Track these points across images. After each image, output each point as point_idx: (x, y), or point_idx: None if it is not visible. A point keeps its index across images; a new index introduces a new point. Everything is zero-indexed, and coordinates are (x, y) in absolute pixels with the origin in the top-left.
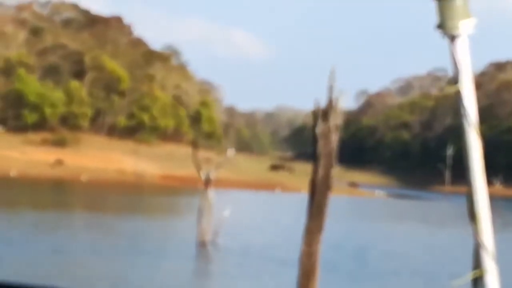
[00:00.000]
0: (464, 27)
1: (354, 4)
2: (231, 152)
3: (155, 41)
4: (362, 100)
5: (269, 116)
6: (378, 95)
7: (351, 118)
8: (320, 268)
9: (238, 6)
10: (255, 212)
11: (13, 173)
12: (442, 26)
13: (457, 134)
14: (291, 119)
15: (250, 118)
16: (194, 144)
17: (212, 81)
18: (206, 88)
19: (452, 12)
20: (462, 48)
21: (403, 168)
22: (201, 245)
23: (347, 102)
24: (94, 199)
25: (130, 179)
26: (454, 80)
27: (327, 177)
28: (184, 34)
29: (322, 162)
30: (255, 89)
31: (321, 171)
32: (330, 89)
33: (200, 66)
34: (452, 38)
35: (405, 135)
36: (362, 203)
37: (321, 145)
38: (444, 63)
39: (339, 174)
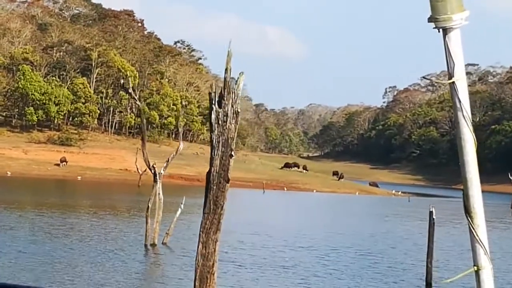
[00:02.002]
0: (457, 20)
1: (385, 1)
2: (182, 145)
3: (187, 38)
4: (390, 97)
5: (301, 115)
6: (407, 91)
7: (379, 116)
8: None
9: (272, 4)
10: (238, 213)
11: (10, 172)
12: (434, 19)
13: (485, 130)
14: (322, 118)
15: (281, 117)
16: (143, 140)
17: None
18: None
19: (445, 5)
20: (455, 40)
21: (431, 166)
22: (151, 246)
23: (375, 99)
24: (73, 199)
25: (134, 178)
26: (448, 73)
27: (224, 169)
28: (216, 32)
29: (218, 152)
30: (288, 87)
31: (217, 162)
32: (227, 71)
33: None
34: (445, 31)
35: (434, 132)
36: (362, 201)
37: (217, 133)
38: (474, 58)
39: (365, 173)
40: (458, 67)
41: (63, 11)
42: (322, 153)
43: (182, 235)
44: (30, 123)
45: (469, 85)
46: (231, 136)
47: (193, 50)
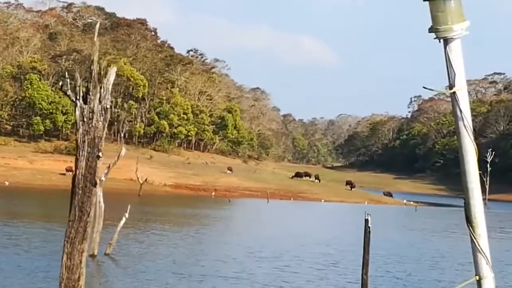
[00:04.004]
0: (458, 30)
1: (417, 11)
2: (124, 151)
3: (219, 49)
4: (416, 107)
5: (331, 125)
6: (431, 101)
7: (403, 125)
8: None
9: (306, 14)
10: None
11: (7, 182)
12: (435, 29)
13: (509, 139)
14: (352, 128)
15: (309, 127)
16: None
17: (263, 89)
18: (257, 96)
19: (445, 15)
20: (456, 51)
21: (455, 176)
22: (90, 257)
23: (400, 109)
24: (44, 208)
25: (138, 188)
26: (449, 83)
27: (91, 171)
28: (250, 42)
29: (84, 153)
30: (318, 97)
31: (83, 164)
32: (93, 63)
33: (263, 74)
34: (446, 41)
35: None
36: (365, 210)
37: (82, 132)
38: (501, 67)
39: (389, 183)
40: (458, 77)
41: (77, 20)
42: (347, 163)
43: (131, 246)
44: (37, 132)
45: (494, 94)
46: (99, 135)
47: (206, 58)
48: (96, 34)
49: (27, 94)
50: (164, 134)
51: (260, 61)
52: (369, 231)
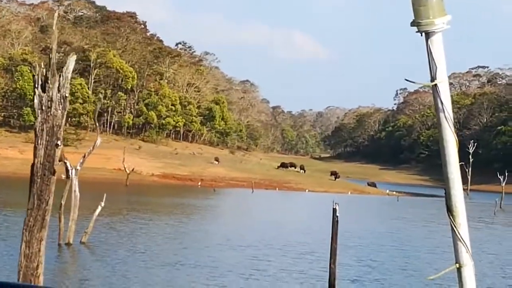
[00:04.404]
0: (439, 24)
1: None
2: (99, 140)
3: (212, 44)
4: (401, 99)
5: (319, 117)
6: (416, 93)
7: (389, 117)
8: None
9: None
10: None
11: None
12: (417, 23)
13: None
14: (340, 120)
15: (298, 119)
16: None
17: (253, 82)
18: (246, 88)
19: (427, 9)
20: (437, 44)
21: (439, 167)
22: (65, 245)
23: (386, 102)
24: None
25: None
26: (431, 76)
27: (49, 160)
28: (244, 38)
29: (42, 141)
30: (307, 90)
31: (41, 152)
32: (52, 51)
33: (258, 67)
34: (428, 34)
35: None
36: (346, 200)
37: (41, 120)
38: (485, 60)
39: (374, 173)
40: (440, 70)
41: (68, 13)
42: (334, 154)
43: (110, 235)
44: (28, 123)
45: (478, 87)
46: (57, 123)
47: (194, 51)
48: (55, 23)
49: (18, 86)
50: (152, 125)
51: (253, 55)
52: (337, 221)
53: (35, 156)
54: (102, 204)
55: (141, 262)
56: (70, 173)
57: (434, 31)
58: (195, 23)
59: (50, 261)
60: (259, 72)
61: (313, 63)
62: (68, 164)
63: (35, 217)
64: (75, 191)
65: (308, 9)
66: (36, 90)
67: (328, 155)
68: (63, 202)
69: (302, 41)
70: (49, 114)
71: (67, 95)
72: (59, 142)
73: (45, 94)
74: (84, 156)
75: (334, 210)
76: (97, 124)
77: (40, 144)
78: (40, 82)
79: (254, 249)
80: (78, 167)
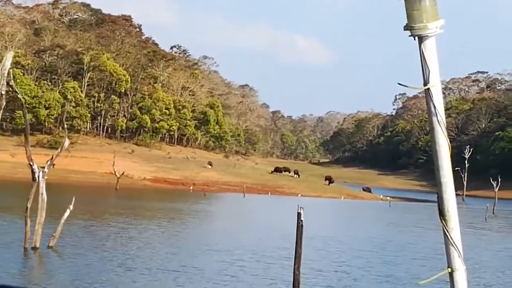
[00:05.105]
0: (433, 28)
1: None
2: (67, 142)
3: (211, 48)
4: (400, 104)
5: (320, 122)
6: (415, 98)
7: (388, 122)
8: None
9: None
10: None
11: None
12: (410, 27)
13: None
14: (340, 125)
15: (298, 124)
16: (26, 136)
17: (252, 86)
18: (245, 92)
19: (420, 13)
20: (430, 48)
21: None
22: (32, 249)
23: (385, 107)
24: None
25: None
26: (424, 80)
27: None
28: (247, 41)
29: None
30: (308, 95)
31: None
32: None
33: (258, 72)
34: (421, 39)
35: None
36: (338, 205)
37: None
38: (485, 65)
39: (372, 178)
40: (433, 74)
41: (63, 16)
42: (333, 159)
43: (84, 239)
44: (20, 126)
45: (477, 92)
46: None
47: (189, 55)
48: None
49: (9, 89)
50: (146, 129)
51: (253, 59)
52: (302, 225)
53: None
54: (71, 207)
55: (109, 266)
56: (36, 176)
57: (427, 35)
58: (195, 26)
59: (13, 266)
60: (260, 77)
61: (315, 68)
62: (35, 167)
63: None
64: (42, 194)
65: (309, 14)
66: None
67: (327, 160)
68: (29, 205)
69: (304, 45)
70: None
71: (3, 92)
72: None
73: None
74: (51, 159)
75: (299, 215)
76: (66, 125)
77: None
78: None
79: (231, 254)
80: (46, 170)
